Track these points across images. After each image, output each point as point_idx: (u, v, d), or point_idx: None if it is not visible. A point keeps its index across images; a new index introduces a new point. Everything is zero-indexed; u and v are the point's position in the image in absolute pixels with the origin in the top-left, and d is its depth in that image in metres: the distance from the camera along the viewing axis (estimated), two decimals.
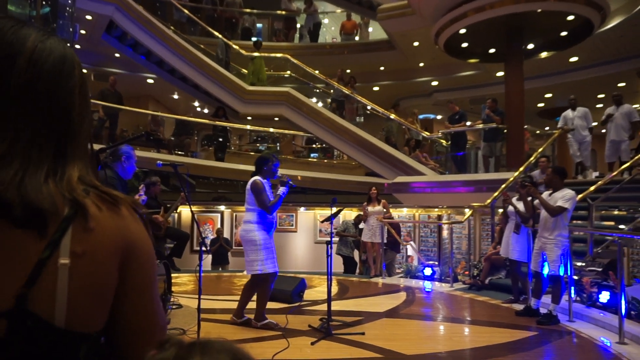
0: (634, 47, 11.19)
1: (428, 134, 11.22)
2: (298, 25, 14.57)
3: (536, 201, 5.18)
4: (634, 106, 11.08)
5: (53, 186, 0.66)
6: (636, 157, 7.59)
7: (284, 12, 14.34)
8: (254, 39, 15.11)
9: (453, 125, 10.15)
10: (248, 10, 14.71)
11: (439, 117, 15.54)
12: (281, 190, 4.47)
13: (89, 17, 10.68)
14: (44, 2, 8.58)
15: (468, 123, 10.22)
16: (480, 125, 9.88)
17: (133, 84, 14.06)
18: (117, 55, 12.68)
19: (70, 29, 10.06)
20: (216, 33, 12.65)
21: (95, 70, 13.69)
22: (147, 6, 11.84)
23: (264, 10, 14.75)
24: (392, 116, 11.21)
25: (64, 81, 0.72)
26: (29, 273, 0.63)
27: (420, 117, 15.51)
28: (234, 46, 12.49)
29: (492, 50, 10.70)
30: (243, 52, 12.10)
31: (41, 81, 0.69)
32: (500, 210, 7.05)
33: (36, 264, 0.63)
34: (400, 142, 11.33)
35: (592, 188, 7.04)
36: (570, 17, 8.92)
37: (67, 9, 9.43)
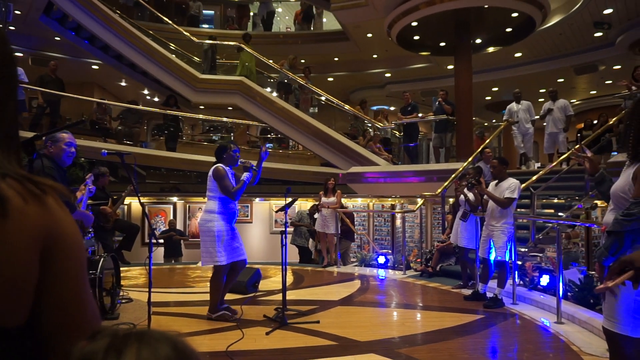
0: (571, 44, 11.86)
1: (381, 124, 11.39)
2: (251, 14, 14.31)
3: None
4: (572, 101, 11.80)
5: None
6: (573, 149, 8.07)
7: (236, 0, 14.03)
8: (204, 26, 14.75)
9: (405, 116, 10.37)
10: None
11: (392, 108, 15.82)
12: (245, 175, 4.43)
13: None
14: None
15: (420, 115, 10.48)
16: (432, 117, 10.15)
17: (76, 70, 13.32)
18: (57, 38, 11.95)
19: (3, 9, 9.39)
20: (165, 19, 12.19)
21: (34, 54, 12.84)
22: None
23: None
24: (347, 107, 11.29)
25: None
26: None
27: (374, 108, 15.74)
28: (185, 32, 12.09)
29: (442, 44, 11.00)
30: (194, 39, 11.74)
31: None
32: (451, 200, 7.32)
33: None
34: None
35: (534, 178, 7.43)
36: (515, 14, 9.31)
37: None
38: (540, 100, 13.67)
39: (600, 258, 2.04)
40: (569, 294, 5.05)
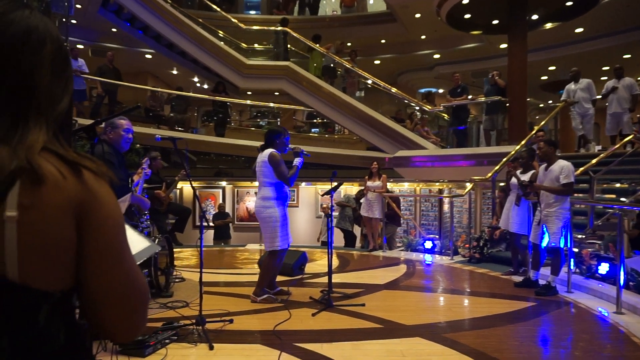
0: (638, 17, 10.95)
1: (430, 107, 11.10)
2: None
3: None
4: (639, 78, 10.95)
5: (6, 150, 0.67)
6: (634, 131, 7.53)
7: None
8: (251, 12, 14.89)
9: (455, 99, 10.05)
10: None
11: (440, 90, 15.38)
12: (297, 160, 4.46)
13: None
14: None
15: (470, 97, 10.12)
16: (482, 99, 9.77)
17: (131, 60, 13.88)
18: (114, 30, 12.48)
19: (66, 4, 9.88)
20: (214, 6, 12.42)
21: (93, 46, 13.50)
22: None
23: None
24: (394, 90, 11.08)
25: (26, 55, 0.72)
26: None
27: (421, 90, 15.38)
28: (233, 19, 12.27)
29: (495, 22, 10.51)
30: (242, 25, 11.89)
31: None
32: (502, 184, 7.06)
33: None
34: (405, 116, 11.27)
35: (593, 161, 7.00)
36: None
37: None
38: (602, 78, 12.80)
39: None
40: (630, 283, 4.76)
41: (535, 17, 10.06)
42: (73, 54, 10.08)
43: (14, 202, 0.65)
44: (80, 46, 12.98)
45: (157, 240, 4.73)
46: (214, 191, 10.85)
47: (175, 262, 5.40)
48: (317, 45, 11.18)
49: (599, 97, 9.14)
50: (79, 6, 10.99)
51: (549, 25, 10.59)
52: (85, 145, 7.04)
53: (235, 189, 10.88)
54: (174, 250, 5.35)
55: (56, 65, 0.76)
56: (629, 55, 12.63)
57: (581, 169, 6.89)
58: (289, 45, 11.42)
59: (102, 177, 0.74)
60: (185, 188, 10.54)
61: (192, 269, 5.99)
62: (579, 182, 7.17)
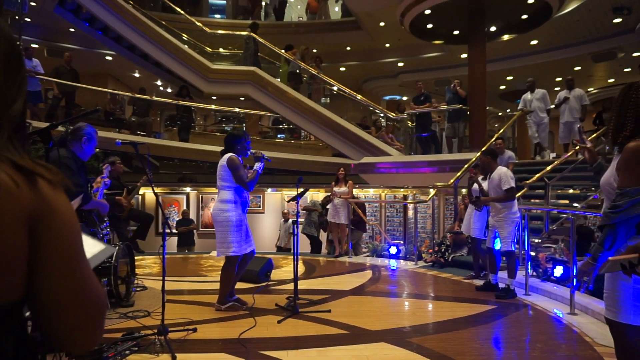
0: (589, 31, 11.59)
1: (393, 114, 11.31)
2: (263, 3, 14.24)
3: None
4: (589, 89, 11.56)
5: None
6: (590, 138, 7.94)
7: None
8: (216, 15, 14.74)
9: (418, 106, 10.28)
10: None
11: (405, 98, 15.69)
12: (257, 165, 4.41)
13: None
14: None
15: (433, 104, 10.37)
16: (444, 107, 10.05)
17: (90, 61, 13.45)
18: (71, 30, 12.06)
19: (19, 0, 9.48)
20: (178, 9, 12.22)
21: (49, 45, 12.99)
22: None
23: None
24: (359, 97, 11.22)
25: None
26: None
27: (386, 97, 15.65)
28: (197, 23, 12.11)
29: (456, 32, 10.85)
30: (207, 29, 11.76)
31: None
32: (464, 190, 7.27)
33: None
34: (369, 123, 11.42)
35: (548, 168, 7.33)
36: (531, 0, 9.12)
37: None
38: (556, 88, 13.43)
39: (596, 253, 2.00)
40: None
41: (493, 28, 10.46)
42: (27, 53, 9.65)
43: None
44: (35, 45, 12.46)
45: (117, 247, 4.58)
46: (178, 197, 10.64)
47: (137, 270, 5.24)
48: (283, 51, 11.19)
49: (553, 106, 9.58)
50: (33, 4, 10.56)
51: (506, 37, 11.03)
52: (40, 149, 6.75)
53: (200, 195, 10.70)
54: (136, 258, 5.20)
55: (8, 65, 0.73)
56: (579, 68, 13.33)
57: (537, 175, 7.21)
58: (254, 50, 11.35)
59: (58, 185, 0.72)
60: (148, 194, 10.27)
61: (154, 277, 5.83)
62: (535, 188, 7.49)
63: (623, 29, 11.27)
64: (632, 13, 10.38)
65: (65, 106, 10.29)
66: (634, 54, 12.29)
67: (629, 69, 13.20)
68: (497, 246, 5.19)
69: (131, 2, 11.47)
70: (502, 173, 5.05)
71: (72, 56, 10.56)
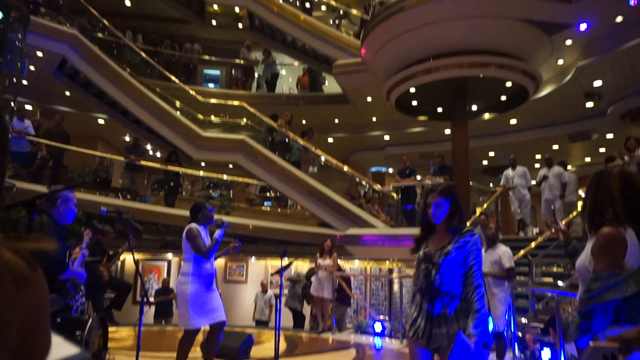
0: (564, 113, 12.24)
1: (379, 186, 11.49)
2: (256, 75, 14.87)
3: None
4: (568, 167, 11.99)
5: None
6: (570, 216, 8.12)
7: (242, 62, 14.64)
8: (210, 85, 15.29)
9: (403, 179, 10.49)
10: (207, 57, 14.91)
11: (390, 170, 16.03)
12: (217, 233, 4.40)
13: (40, 54, 10.43)
14: None
15: (418, 177, 10.61)
16: (429, 181, 10.26)
17: (82, 123, 13.62)
18: (67, 93, 12.33)
19: (18, 64, 9.75)
20: (172, 77, 12.66)
21: (43, 107, 13.19)
22: (103, 46, 11.74)
23: (223, 59, 15.00)
24: (346, 168, 11.44)
25: None
26: None
27: (372, 169, 15.96)
28: (191, 91, 12.52)
29: (439, 109, 11.35)
30: (200, 98, 12.13)
31: None
32: None
33: None
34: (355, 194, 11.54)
35: (532, 245, 7.40)
36: (509, 84, 9.69)
37: (17, 43, 9.19)
38: (536, 165, 13.92)
39: (573, 338, 1.99)
40: None
41: (475, 107, 10.98)
42: (20, 114, 9.78)
43: None
44: (29, 107, 12.64)
45: (91, 319, 4.38)
46: (159, 264, 10.38)
47: (110, 344, 4.97)
48: (272, 121, 11.53)
49: (534, 183, 9.88)
50: (32, 68, 10.86)
51: (487, 116, 11.56)
52: (21, 212, 6.62)
53: (182, 263, 10.46)
54: (109, 330, 4.95)
55: None
56: (557, 147, 13.89)
57: (522, 251, 7.25)
58: (245, 120, 11.69)
59: (34, 266, 0.72)
60: (128, 259, 10.01)
61: (128, 351, 5.53)
62: (519, 265, 7.51)
63: (596, 113, 11.92)
64: (602, 98, 11.05)
65: (52, 167, 10.26)
66: (608, 136, 12.92)
67: (603, 149, 13.79)
68: (491, 327, 5.09)
69: (128, 69, 11.89)
70: (507, 250, 5.08)
71: (63, 118, 10.71)
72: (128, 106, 11.27)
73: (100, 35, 12.37)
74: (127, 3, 15.04)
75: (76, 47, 10.57)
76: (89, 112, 13.37)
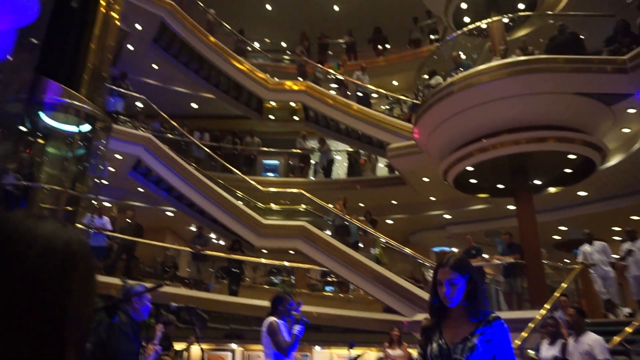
0: (638, 182, 11.48)
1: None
2: (312, 162, 15.43)
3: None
4: None
5: None
6: None
7: (299, 151, 15.33)
8: (270, 174, 16.00)
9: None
10: (266, 148, 15.79)
11: (454, 249, 15.44)
12: (296, 329, 4.36)
13: (118, 157, 11.49)
14: (80, 143, 9.34)
15: (485, 256, 10.12)
16: (497, 261, 9.75)
17: (153, 216, 14.50)
18: (140, 190, 13.32)
19: (100, 167, 10.78)
20: (235, 170, 13.42)
21: (119, 204, 14.27)
22: (172, 145, 12.80)
23: (280, 149, 15.82)
24: (407, 250, 11.19)
25: (50, 282, 0.65)
26: None
27: (435, 249, 15.47)
28: (251, 181, 13.13)
29: (500, 186, 11.06)
30: (260, 187, 12.67)
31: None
32: (531, 352, 6.60)
33: None
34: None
35: (628, 330, 6.60)
36: (572, 156, 9.35)
37: (100, 148, 10.24)
38: (615, 238, 12.84)
39: None
40: None
41: (538, 182, 10.60)
42: (99, 212, 10.60)
43: None
44: (107, 204, 13.72)
45: None
46: (224, 354, 10.26)
47: None
48: (330, 205, 11.73)
49: (617, 257, 9.07)
50: (112, 169, 11.95)
51: (552, 190, 11.08)
52: (104, 320, 6.92)
53: (246, 353, 10.28)
54: None
55: (83, 286, 0.69)
56: (637, 217, 12.89)
57: (616, 338, 6.48)
58: (304, 206, 11.97)
59: None
60: (194, 350, 9.97)
61: None
62: (615, 354, 6.69)
63: None
64: None
65: (125, 260, 10.84)
66: None
67: None
68: None
69: (193, 164, 12.78)
70: (599, 340, 4.57)
71: (135, 213, 11.50)
72: (194, 198, 11.94)
73: (170, 135, 13.56)
74: (194, 105, 16.57)
75: (150, 148, 11.60)
76: (159, 206, 14.26)
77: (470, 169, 10.03)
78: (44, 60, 6.98)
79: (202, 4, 14.59)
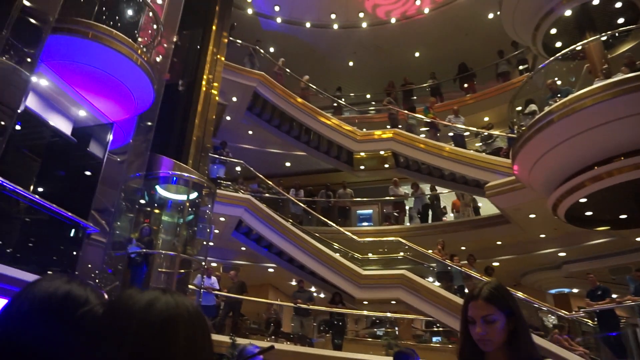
0: None
1: (567, 313, 9.91)
2: (407, 208, 15.15)
3: None
4: None
5: None
6: None
7: (392, 198, 15.19)
8: (364, 224, 15.98)
9: (596, 303, 8.93)
10: (358, 199, 15.90)
11: (575, 290, 13.88)
12: None
13: (222, 219, 12.31)
14: (189, 210, 10.21)
15: (614, 297, 8.94)
16: (631, 302, 8.55)
17: (255, 273, 15.12)
18: (243, 248, 14.04)
19: (208, 231, 11.63)
20: (330, 222, 13.63)
21: (224, 263, 15.13)
22: (270, 203, 13.44)
23: (373, 198, 15.82)
24: (520, 294, 10.29)
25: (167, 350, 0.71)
26: None
27: (552, 291, 14.07)
28: (347, 233, 13.18)
29: (623, 216, 9.88)
30: (356, 238, 12.67)
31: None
32: None
33: None
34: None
35: None
36: None
37: (207, 212, 11.08)
38: None
39: None
40: None
41: None
42: (207, 272, 11.31)
43: None
44: (214, 264, 14.62)
45: None
46: None
47: None
48: (430, 251, 11.31)
49: None
50: (217, 231, 12.81)
51: None
52: None
53: None
54: None
55: (192, 349, 0.74)
56: None
57: None
58: (402, 254, 11.69)
59: None
60: None
61: None
62: None
63: None
64: None
65: (232, 316, 11.32)
66: None
67: None
68: None
69: (291, 220, 13.22)
70: None
71: (237, 273, 12.09)
72: (293, 253, 12.26)
73: (267, 194, 14.29)
74: (288, 164, 17.42)
75: (249, 208, 12.28)
76: (261, 263, 14.84)
77: (583, 200, 9.13)
78: (157, 138, 7.93)
79: (295, 74, 15.69)
